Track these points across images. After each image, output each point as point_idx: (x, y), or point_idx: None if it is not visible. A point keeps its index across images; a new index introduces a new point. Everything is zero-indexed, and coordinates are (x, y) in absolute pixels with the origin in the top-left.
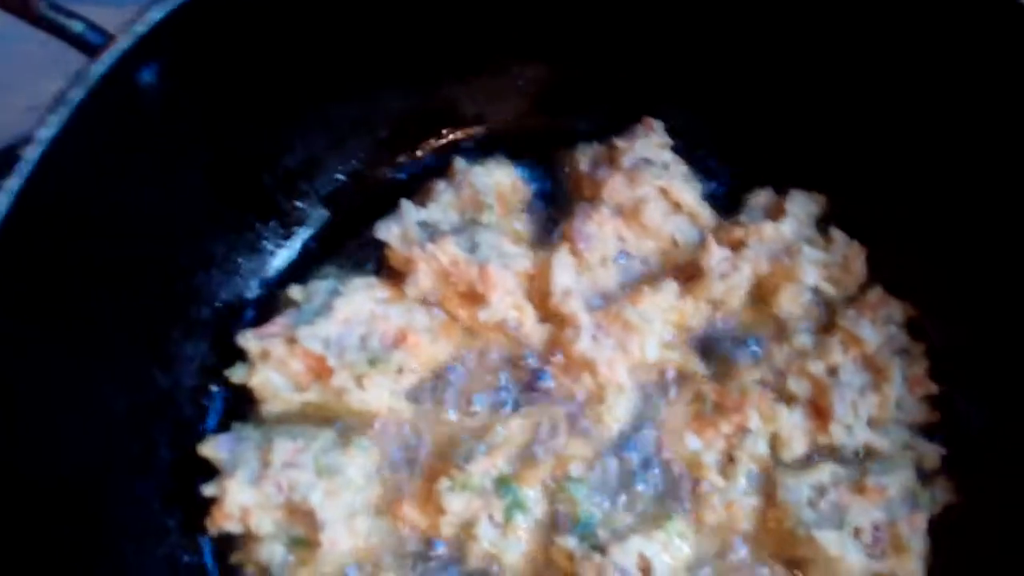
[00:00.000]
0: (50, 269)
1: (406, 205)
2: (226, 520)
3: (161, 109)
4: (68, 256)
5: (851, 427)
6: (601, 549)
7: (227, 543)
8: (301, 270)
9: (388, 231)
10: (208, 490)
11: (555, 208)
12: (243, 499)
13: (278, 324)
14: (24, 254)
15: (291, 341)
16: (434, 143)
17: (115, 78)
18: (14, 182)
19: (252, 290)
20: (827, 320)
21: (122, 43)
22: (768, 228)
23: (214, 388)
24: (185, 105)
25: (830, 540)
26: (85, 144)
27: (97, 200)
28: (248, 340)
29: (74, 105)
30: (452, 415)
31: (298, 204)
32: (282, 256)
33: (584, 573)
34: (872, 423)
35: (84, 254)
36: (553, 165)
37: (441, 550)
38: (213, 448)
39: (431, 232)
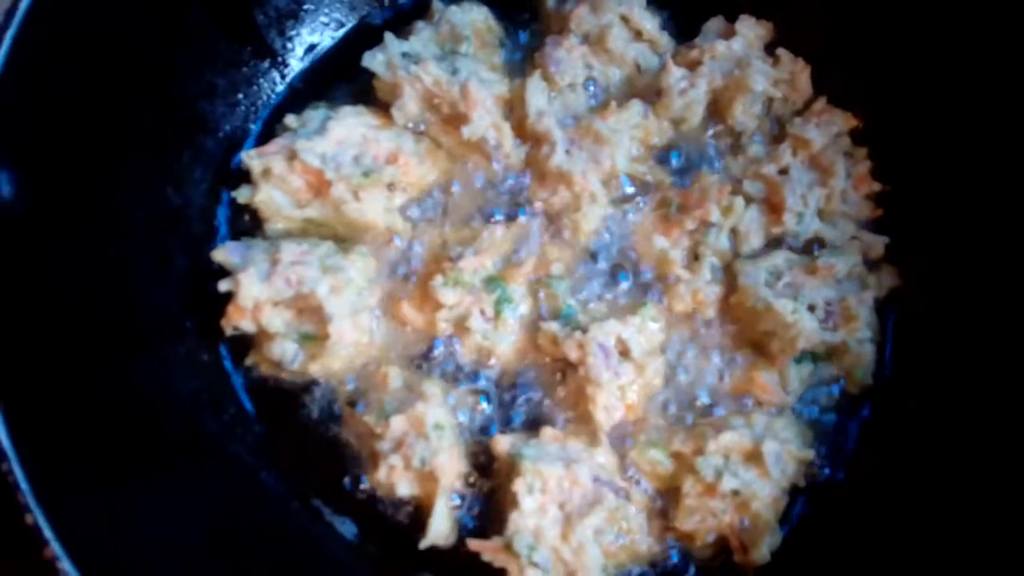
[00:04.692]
0: (65, 88)
1: (390, 37)
2: (240, 316)
3: None
4: (80, 79)
5: (802, 216)
6: (583, 330)
7: (242, 346)
8: (295, 105)
9: (374, 59)
10: (223, 285)
11: (527, 44)
12: (255, 293)
13: (277, 144)
14: (36, 79)
15: (290, 158)
16: None
17: None
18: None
19: (252, 122)
20: (778, 132)
21: None
22: (721, 46)
23: (222, 210)
24: None
25: (787, 308)
26: None
27: (104, 29)
28: (251, 159)
29: None
30: (442, 228)
31: (290, 43)
32: (278, 92)
33: (568, 352)
34: (821, 216)
35: (95, 78)
36: (523, 8)
37: (440, 350)
38: (225, 253)
39: (414, 60)
